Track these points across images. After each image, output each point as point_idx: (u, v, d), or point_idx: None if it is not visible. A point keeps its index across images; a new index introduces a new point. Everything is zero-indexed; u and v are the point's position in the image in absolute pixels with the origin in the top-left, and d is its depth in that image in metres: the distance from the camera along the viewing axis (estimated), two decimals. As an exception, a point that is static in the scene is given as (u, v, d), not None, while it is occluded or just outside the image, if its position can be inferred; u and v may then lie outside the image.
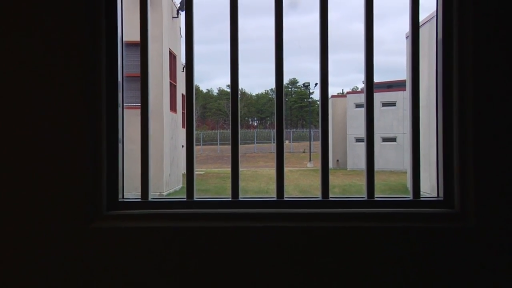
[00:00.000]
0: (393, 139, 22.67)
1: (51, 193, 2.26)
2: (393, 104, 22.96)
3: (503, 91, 2.25)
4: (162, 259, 2.29)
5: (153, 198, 2.50)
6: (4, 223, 2.26)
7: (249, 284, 2.29)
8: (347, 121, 24.59)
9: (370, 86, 2.50)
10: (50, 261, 2.27)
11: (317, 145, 26.22)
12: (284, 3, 2.47)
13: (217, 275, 2.29)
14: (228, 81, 2.50)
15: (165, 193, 13.81)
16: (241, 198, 2.47)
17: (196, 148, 2.59)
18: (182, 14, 15.25)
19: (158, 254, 2.29)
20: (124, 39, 2.51)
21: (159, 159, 13.38)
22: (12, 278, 2.27)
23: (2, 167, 2.26)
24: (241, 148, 2.61)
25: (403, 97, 21.77)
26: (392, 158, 21.85)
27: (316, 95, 49.48)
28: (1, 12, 2.26)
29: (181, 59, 16.06)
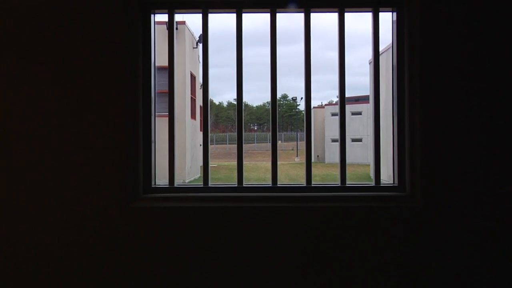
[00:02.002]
0: (360, 140, 22.65)
1: (101, 180, 2.26)
2: (359, 113, 22.94)
3: (444, 103, 2.25)
4: (184, 231, 2.29)
5: (177, 185, 2.50)
6: (67, 202, 2.27)
7: (248, 248, 2.29)
8: (325, 126, 24.59)
9: (343, 99, 2.50)
10: (99, 232, 2.27)
11: (302, 144, 26.17)
12: (277, 37, 2.47)
13: (226, 242, 2.29)
14: (234, 95, 2.49)
15: (187, 181, 13.80)
16: (244, 184, 2.47)
17: (210, 146, 2.59)
18: (200, 46, 15.28)
19: (181, 227, 2.29)
20: (156, 64, 2.51)
21: (182, 155, 13.38)
22: (71, 243, 2.28)
23: (67, 161, 2.27)
24: (245, 146, 2.61)
25: (367, 108, 21.78)
26: (359, 154, 21.85)
27: (301, 106, 49.39)
28: (64, 41, 2.26)
29: (199, 79, 16.05)
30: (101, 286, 2.27)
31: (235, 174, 2.51)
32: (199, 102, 16.33)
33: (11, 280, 2.27)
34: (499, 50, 2.24)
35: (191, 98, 15.21)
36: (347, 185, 2.45)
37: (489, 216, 2.25)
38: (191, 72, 14.96)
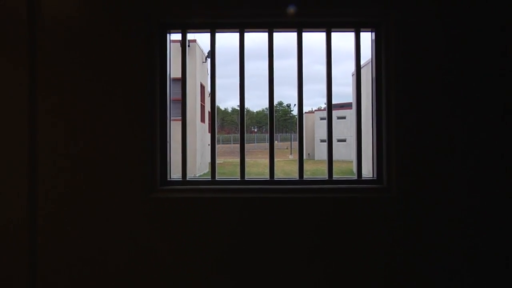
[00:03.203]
0: (344, 140, 22.62)
1: (124, 174, 2.27)
2: (344, 117, 22.92)
3: (415, 109, 2.25)
4: (195, 218, 2.29)
5: (189, 178, 2.50)
6: (93, 192, 2.27)
7: (249, 232, 2.30)
8: (315, 129, 24.59)
9: (330, 106, 2.50)
10: (122, 219, 2.28)
11: (295, 144, 26.17)
12: (274, 53, 2.47)
13: (231, 227, 2.30)
14: (237, 102, 2.49)
15: (197, 175, 13.79)
16: (246, 178, 2.47)
17: (217, 146, 2.59)
18: (209, 60, 15.29)
19: (192, 214, 2.30)
20: (171, 76, 2.51)
21: (193, 153, 13.37)
22: (96, 230, 2.28)
23: (94, 159, 2.27)
24: (246, 146, 2.61)
25: (350, 113, 21.76)
26: (344, 152, 21.83)
27: (294, 112, 49.33)
28: (93, 60, 2.26)
29: (208, 88, 16.03)
30: (121, 266, 2.28)
31: (238, 169, 2.52)
32: (207, 108, 16.31)
33: (50, 256, 2.28)
34: (465, 61, 2.25)
35: (201, 104, 15.21)
36: (333, 178, 2.46)
37: (454, 204, 2.25)
38: (201, 82, 14.96)
